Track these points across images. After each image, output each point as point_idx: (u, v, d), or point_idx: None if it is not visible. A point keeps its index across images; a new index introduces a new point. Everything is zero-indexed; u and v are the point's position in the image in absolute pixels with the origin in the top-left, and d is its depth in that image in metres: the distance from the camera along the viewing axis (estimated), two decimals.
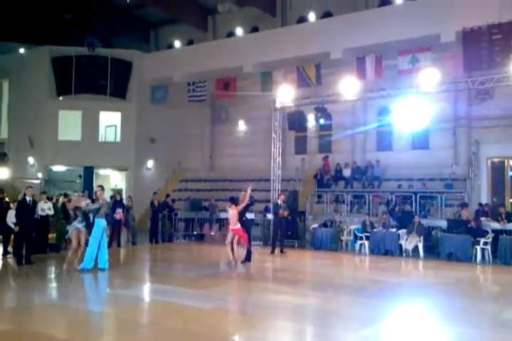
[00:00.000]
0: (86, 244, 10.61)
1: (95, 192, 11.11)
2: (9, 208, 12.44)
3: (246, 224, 12.11)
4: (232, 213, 11.69)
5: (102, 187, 11.07)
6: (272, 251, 14.01)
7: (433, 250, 13.73)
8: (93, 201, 10.74)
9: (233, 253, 11.86)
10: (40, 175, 21.97)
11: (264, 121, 21.06)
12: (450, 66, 16.63)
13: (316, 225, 15.85)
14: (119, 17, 27.08)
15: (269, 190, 17.19)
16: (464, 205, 14.36)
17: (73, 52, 23.61)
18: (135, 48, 25.32)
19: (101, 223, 10.36)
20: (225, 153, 25.20)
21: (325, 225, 15.60)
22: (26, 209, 11.17)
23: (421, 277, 11.36)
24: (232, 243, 11.92)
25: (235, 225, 11.68)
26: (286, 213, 14.25)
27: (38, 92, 23.49)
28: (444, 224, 14.25)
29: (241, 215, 11.81)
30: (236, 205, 11.84)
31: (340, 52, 18.92)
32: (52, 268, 11.33)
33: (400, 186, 18.00)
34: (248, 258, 11.80)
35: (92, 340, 5.69)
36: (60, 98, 23.57)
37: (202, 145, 25.82)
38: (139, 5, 25.98)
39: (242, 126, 24.84)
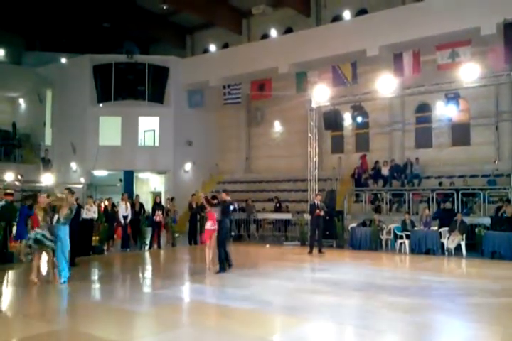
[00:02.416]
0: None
1: (66, 197, 9.37)
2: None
3: (224, 229, 10.70)
4: (214, 211, 10.82)
5: (69, 190, 9.49)
6: (310, 251, 13.94)
7: (476, 248, 13.34)
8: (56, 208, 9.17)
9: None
10: (82, 179, 22.60)
11: (299, 121, 20.99)
12: (491, 59, 16.18)
13: (354, 224, 15.67)
14: (155, 24, 27.68)
15: (306, 190, 17.12)
16: (507, 201, 13.88)
17: (112, 59, 24.15)
18: (172, 54, 25.78)
19: (65, 231, 9.05)
20: (261, 154, 25.30)
21: (364, 224, 15.41)
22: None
23: (464, 276, 11.04)
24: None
25: (213, 225, 10.80)
26: (322, 212, 14.14)
27: (80, 100, 24.18)
28: (487, 221, 13.84)
29: (222, 217, 10.69)
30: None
31: (376, 49, 18.64)
32: (96, 270, 11.64)
33: (440, 183, 17.59)
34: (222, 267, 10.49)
35: (135, 339, 5.78)
36: (101, 105, 24.18)
37: (238, 147, 26.00)
38: (174, 11, 26.46)
39: (277, 127, 24.89)
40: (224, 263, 10.54)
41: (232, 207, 11.18)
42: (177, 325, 6.48)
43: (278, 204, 19.54)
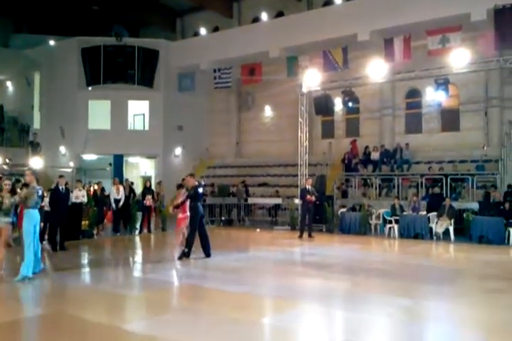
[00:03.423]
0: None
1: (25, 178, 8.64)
2: (43, 196, 12.76)
3: (197, 215, 10.09)
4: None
5: (32, 171, 8.75)
6: (300, 236, 14.05)
7: (464, 233, 13.52)
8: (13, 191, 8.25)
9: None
10: (71, 163, 22.46)
11: (290, 106, 20.94)
12: (481, 45, 16.22)
13: (344, 209, 15.78)
14: (145, 7, 27.19)
15: (296, 175, 17.17)
16: (491, 187, 14.04)
17: (101, 42, 23.80)
18: (162, 37, 25.44)
19: (32, 215, 8.07)
20: (251, 139, 25.24)
21: (353, 209, 15.53)
22: (59, 197, 11.44)
23: (452, 260, 11.21)
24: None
25: (186, 212, 10.49)
26: (313, 198, 14.21)
27: (69, 83, 23.90)
28: (475, 206, 14.01)
29: (194, 203, 10.14)
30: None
31: (367, 34, 18.57)
32: (86, 254, 11.65)
33: (430, 169, 17.73)
34: (187, 253, 10.09)
35: (126, 323, 5.77)
36: (90, 88, 23.91)
37: (229, 131, 25.90)
38: None
39: (268, 111, 24.80)
40: (190, 250, 10.05)
41: (201, 189, 10.41)
42: (168, 309, 6.51)
43: (245, 189, 19.59)
